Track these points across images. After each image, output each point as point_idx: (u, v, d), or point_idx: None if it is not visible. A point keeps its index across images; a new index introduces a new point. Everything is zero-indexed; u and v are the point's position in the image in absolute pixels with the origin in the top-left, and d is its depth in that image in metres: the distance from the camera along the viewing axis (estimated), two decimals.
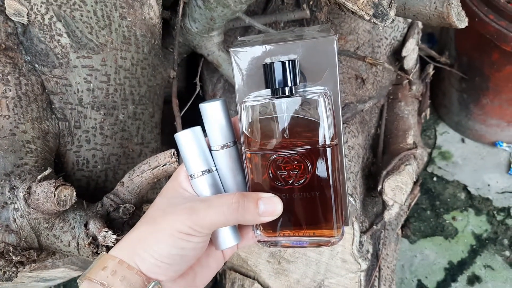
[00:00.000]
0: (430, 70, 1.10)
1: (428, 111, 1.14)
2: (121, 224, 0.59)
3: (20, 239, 0.56)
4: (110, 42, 0.69)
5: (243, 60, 0.46)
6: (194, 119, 0.61)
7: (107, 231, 0.53)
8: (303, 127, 0.44)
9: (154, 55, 0.77)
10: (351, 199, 0.83)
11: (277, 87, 0.43)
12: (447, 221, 1.18)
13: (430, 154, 1.29)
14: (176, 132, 0.48)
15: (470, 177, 1.24)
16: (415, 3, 0.64)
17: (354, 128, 0.91)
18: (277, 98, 0.44)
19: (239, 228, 0.50)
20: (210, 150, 0.48)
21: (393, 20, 0.57)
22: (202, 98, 1.01)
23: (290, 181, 0.45)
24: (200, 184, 0.47)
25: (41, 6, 0.64)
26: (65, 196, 0.54)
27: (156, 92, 0.79)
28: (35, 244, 0.58)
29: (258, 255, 0.83)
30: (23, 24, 0.65)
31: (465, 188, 1.22)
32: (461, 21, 0.65)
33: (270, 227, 0.47)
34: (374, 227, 0.88)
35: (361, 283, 0.84)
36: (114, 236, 0.53)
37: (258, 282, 0.87)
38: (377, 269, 0.89)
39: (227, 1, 0.73)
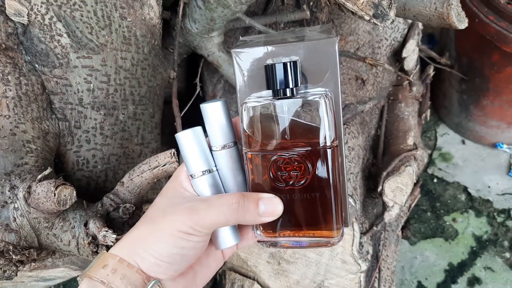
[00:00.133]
0: (431, 71, 1.10)
1: (428, 112, 1.14)
2: (121, 224, 0.59)
3: (20, 238, 0.56)
4: (110, 42, 0.69)
5: (244, 61, 0.46)
6: (194, 119, 0.61)
7: (107, 231, 0.53)
8: (303, 128, 0.44)
9: (154, 56, 0.77)
10: (351, 200, 0.82)
11: (278, 88, 0.44)
12: (447, 223, 1.18)
13: (430, 155, 1.29)
14: (176, 132, 0.48)
15: (470, 179, 1.24)
16: (415, 3, 0.64)
17: (354, 129, 0.91)
18: (278, 99, 0.44)
19: (239, 228, 0.51)
20: (211, 150, 0.48)
21: (393, 21, 0.57)
22: (202, 99, 1.01)
23: (291, 182, 0.45)
24: (200, 184, 0.47)
25: (41, 6, 0.64)
26: (65, 195, 0.54)
27: (156, 93, 0.79)
28: (35, 243, 0.58)
29: (258, 256, 0.83)
30: (23, 24, 0.65)
31: (465, 189, 1.22)
32: (461, 22, 0.65)
33: (270, 227, 0.47)
34: (374, 228, 0.88)
35: (361, 284, 0.84)
36: (114, 236, 0.53)
37: (258, 282, 0.87)
38: (377, 270, 0.89)
39: (227, 2, 0.73)
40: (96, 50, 0.68)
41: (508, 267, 1.10)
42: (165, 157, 0.59)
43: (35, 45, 0.65)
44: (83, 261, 0.81)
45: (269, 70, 0.44)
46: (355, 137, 0.91)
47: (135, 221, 0.51)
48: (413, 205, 1.06)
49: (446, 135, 1.32)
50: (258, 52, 0.46)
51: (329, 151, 0.44)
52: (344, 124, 0.89)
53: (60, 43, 0.66)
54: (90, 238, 0.55)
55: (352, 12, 0.57)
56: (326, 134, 0.43)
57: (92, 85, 0.69)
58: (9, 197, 0.57)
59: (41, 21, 0.65)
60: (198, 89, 0.94)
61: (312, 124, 0.43)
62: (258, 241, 0.48)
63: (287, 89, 0.43)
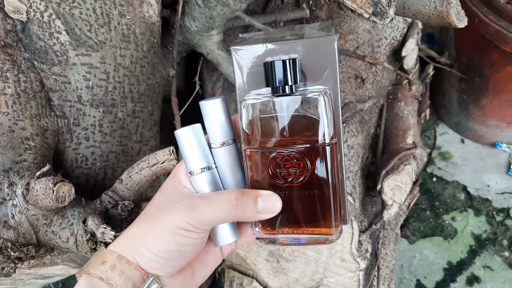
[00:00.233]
0: (430, 71, 1.10)
1: (427, 111, 1.14)
2: (119, 221, 0.59)
3: (19, 235, 0.56)
4: (109, 40, 0.69)
5: (243, 58, 0.46)
6: (193, 117, 0.61)
7: (105, 228, 0.53)
8: (303, 125, 0.44)
9: (154, 53, 0.77)
10: (349, 198, 0.83)
11: (277, 85, 0.44)
12: (446, 222, 1.18)
13: (429, 154, 1.29)
14: (175, 130, 0.48)
15: (469, 178, 1.23)
16: (415, 2, 0.64)
17: (353, 128, 0.91)
18: (277, 96, 0.44)
19: (237, 226, 0.51)
20: (210, 147, 0.48)
21: (392, 19, 0.57)
22: (202, 97, 1.01)
23: (289, 179, 0.45)
24: (199, 181, 0.47)
25: (40, 4, 0.64)
26: (63, 192, 0.54)
27: (155, 90, 0.79)
28: (34, 240, 0.58)
29: (257, 254, 0.83)
30: (22, 21, 0.65)
31: (464, 188, 1.22)
32: (460, 21, 0.65)
33: (269, 224, 0.47)
34: (373, 226, 0.88)
35: (360, 282, 0.84)
36: (113, 233, 0.53)
37: (257, 280, 0.87)
38: (376, 268, 0.89)
39: (227, 0, 0.73)
40: (95, 48, 0.68)
41: (507, 266, 1.10)
42: (164, 155, 0.59)
43: (34, 42, 0.65)
44: (82, 259, 0.81)
45: (268, 67, 0.44)
46: (354, 136, 0.91)
47: (133, 218, 0.51)
48: (412, 203, 1.06)
49: (446, 134, 1.32)
50: (257, 49, 0.46)
51: (328, 148, 0.44)
52: (343, 122, 0.89)
53: (59, 41, 0.66)
54: (89, 235, 0.55)
55: (352, 10, 0.56)
56: (325, 132, 0.44)
57: (91, 82, 0.69)
58: (8, 194, 0.57)
59: (40, 18, 0.65)
60: (197, 87, 0.94)
61: (311, 120, 0.44)
62: (257, 238, 0.48)
63: (286, 87, 0.44)
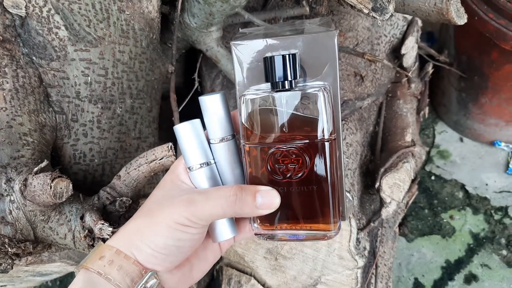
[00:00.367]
0: (429, 69, 1.10)
1: (426, 109, 1.14)
2: (117, 217, 0.59)
3: (16, 231, 0.56)
4: (108, 36, 0.69)
5: (243, 53, 0.46)
6: (192, 114, 0.61)
7: (103, 224, 0.53)
8: (302, 121, 0.44)
9: (153, 50, 0.77)
10: (348, 194, 0.82)
11: (277, 80, 0.43)
12: (444, 220, 1.18)
13: (428, 153, 1.29)
14: (174, 126, 0.48)
15: (468, 176, 1.24)
16: None
17: (352, 125, 0.91)
18: (277, 91, 0.44)
19: (236, 222, 0.50)
20: (209, 143, 0.48)
21: (392, 15, 0.57)
22: (201, 94, 1.00)
23: (288, 175, 0.45)
24: (198, 176, 0.47)
25: None
26: (61, 188, 0.54)
27: (154, 87, 0.79)
28: (31, 236, 0.58)
29: (255, 252, 0.83)
30: (21, 16, 0.64)
31: (463, 187, 1.22)
32: (460, 18, 0.65)
33: (267, 220, 0.47)
34: (372, 224, 0.88)
35: (357, 280, 0.84)
36: (110, 229, 0.53)
37: (255, 278, 0.87)
38: (374, 266, 0.89)
39: None
40: (94, 43, 0.68)
41: (504, 264, 1.10)
42: (162, 151, 0.59)
43: (33, 37, 0.65)
44: (79, 256, 0.81)
45: (268, 62, 0.43)
46: (353, 133, 0.90)
47: (131, 214, 0.51)
48: (410, 202, 1.06)
49: (444, 132, 1.32)
50: (257, 44, 0.46)
51: (327, 144, 0.44)
52: (342, 120, 0.89)
53: (57, 36, 0.66)
54: (86, 231, 0.55)
55: (351, 6, 0.56)
56: (324, 127, 0.43)
57: (89, 78, 0.68)
58: (5, 190, 0.56)
59: (39, 13, 0.64)
60: (196, 84, 0.94)
61: (310, 117, 0.43)
62: (255, 234, 0.48)
63: (286, 82, 0.43)
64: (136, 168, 0.59)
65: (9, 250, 0.54)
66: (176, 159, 0.56)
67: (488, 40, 0.97)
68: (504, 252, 1.12)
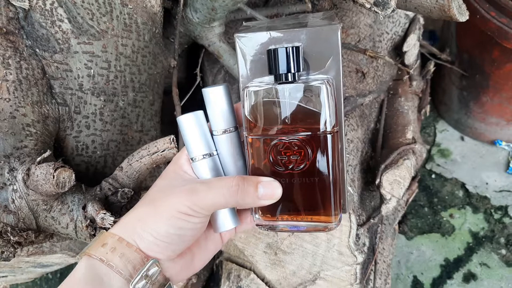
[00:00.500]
0: (431, 67, 1.10)
1: (428, 108, 1.14)
2: (119, 208, 0.59)
3: (19, 220, 0.56)
4: (111, 29, 0.69)
5: (247, 45, 0.47)
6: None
7: (105, 213, 0.53)
8: (304, 113, 0.44)
9: (155, 44, 0.77)
10: (349, 188, 0.83)
11: (280, 72, 0.44)
12: (444, 218, 1.18)
13: (429, 151, 1.29)
14: (177, 117, 0.48)
15: (468, 175, 1.24)
16: None
17: (353, 122, 0.91)
18: (280, 84, 0.44)
19: (238, 213, 0.51)
20: (212, 134, 0.48)
21: (394, 10, 0.57)
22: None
23: (290, 166, 0.45)
24: (201, 167, 0.47)
25: None
26: (64, 178, 0.54)
27: (157, 81, 0.79)
28: (33, 225, 0.58)
29: (255, 246, 0.84)
30: (25, 9, 0.65)
31: (463, 186, 1.23)
32: (462, 15, 0.65)
33: (269, 211, 0.47)
34: (371, 220, 0.88)
35: (356, 276, 0.84)
36: (112, 218, 0.53)
37: (255, 272, 0.87)
38: (373, 262, 0.89)
39: None
40: (97, 36, 0.68)
41: (504, 263, 1.10)
42: (164, 143, 0.59)
43: (36, 30, 0.65)
44: (80, 248, 0.81)
45: (272, 54, 0.44)
46: (354, 130, 0.91)
47: (133, 205, 0.51)
48: (410, 199, 1.06)
49: (445, 131, 1.32)
50: (261, 37, 0.46)
51: (329, 136, 0.44)
52: (344, 115, 0.89)
53: (61, 29, 0.66)
54: (88, 221, 0.56)
55: (353, 1, 0.57)
56: (326, 120, 0.44)
57: (92, 71, 0.69)
58: (8, 179, 0.57)
59: (42, 6, 0.65)
60: (198, 79, 0.94)
61: (313, 109, 0.44)
62: (257, 225, 0.49)
63: (289, 74, 0.44)
64: (138, 159, 0.60)
65: (12, 238, 0.54)
66: (178, 151, 0.56)
67: (490, 38, 0.97)
68: (504, 251, 1.12)
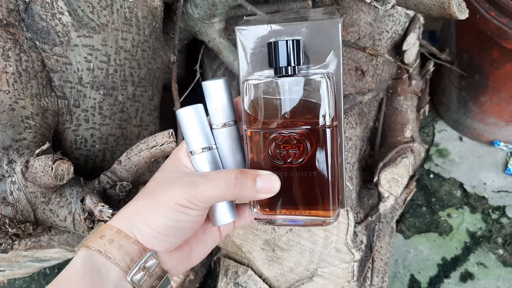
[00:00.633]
0: (430, 67, 1.10)
1: (427, 107, 1.14)
2: (117, 202, 0.59)
3: (17, 212, 0.56)
4: (111, 23, 0.69)
5: (247, 38, 0.47)
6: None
7: (103, 206, 0.53)
8: (304, 107, 0.44)
9: (155, 38, 0.77)
10: (348, 183, 0.83)
11: (280, 66, 0.44)
12: (442, 218, 1.18)
13: (427, 151, 1.29)
14: (177, 111, 0.48)
15: (466, 175, 1.24)
16: None
17: (352, 120, 0.92)
18: (280, 77, 0.44)
19: (236, 207, 0.51)
20: (211, 128, 0.48)
21: (393, 6, 0.57)
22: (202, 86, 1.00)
23: (289, 160, 0.45)
24: (199, 160, 0.47)
25: None
26: (62, 170, 0.54)
27: (156, 76, 0.79)
28: (31, 217, 0.58)
29: (253, 242, 0.84)
30: (25, 1, 0.65)
31: (461, 186, 1.23)
32: (461, 12, 0.65)
33: (267, 205, 0.47)
34: (369, 218, 0.88)
35: (354, 274, 0.84)
36: (110, 211, 0.53)
37: (252, 269, 0.87)
38: (371, 260, 0.89)
39: None
40: (97, 30, 0.68)
41: (501, 263, 1.10)
42: (163, 137, 0.59)
43: (36, 22, 0.65)
44: (78, 242, 0.81)
45: (272, 47, 0.44)
46: (353, 128, 0.91)
47: (131, 199, 0.51)
48: (408, 198, 1.06)
49: (444, 131, 1.33)
50: (262, 30, 0.46)
51: (328, 130, 0.44)
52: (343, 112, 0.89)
53: (61, 21, 0.66)
54: (86, 214, 0.55)
55: None
56: (326, 114, 0.44)
57: (92, 64, 0.69)
58: (7, 171, 0.57)
59: None
60: (198, 75, 0.94)
61: (313, 102, 0.44)
62: (255, 219, 0.49)
63: (289, 67, 0.44)
64: (137, 153, 0.60)
65: (10, 230, 0.54)
66: (176, 145, 0.56)
67: (489, 38, 0.98)
68: (501, 251, 1.12)
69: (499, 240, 1.14)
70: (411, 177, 1.05)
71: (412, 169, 0.93)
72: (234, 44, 0.86)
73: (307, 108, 0.44)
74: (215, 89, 0.47)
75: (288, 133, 0.45)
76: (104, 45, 0.69)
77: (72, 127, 0.69)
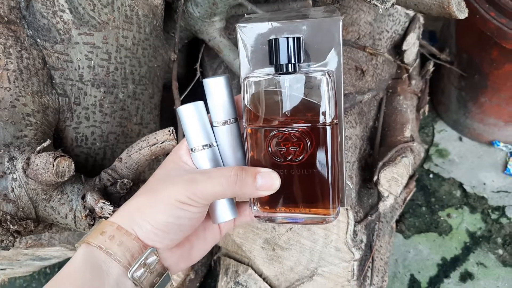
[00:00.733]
0: (430, 67, 1.10)
1: (426, 107, 1.14)
2: (118, 199, 0.59)
3: (18, 209, 0.56)
4: (112, 21, 0.69)
5: (248, 36, 0.47)
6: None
7: (104, 203, 0.53)
8: (304, 105, 0.44)
9: (156, 37, 0.77)
10: (348, 182, 0.83)
11: (281, 63, 0.44)
12: (441, 218, 1.18)
13: (427, 151, 1.29)
14: (177, 108, 0.48)
15: (466, 175, 1.24)
16: None
17: (352, 119, 0.92)
18: (280, 74, 0.44)
19: (236, 206, 0.51)
20: (212, 125, 0.48)
21: (393, 4, 0.57)
22: (202, 85, 1.01)
23: (289, 158, 0.45)
24: (200, 158, 0.47)
25: None
26: (63, 167, 0.54)
27: (156, 74, 0.79)
28: (33, 214, 0.58)
29: (253, 241, 0.84)
30: None
31: (461, 186, 1.23)
32: (461, 12, 0.65)
33: (267, 202, 0.48)
34: (369, 217, 0.88)
35: (354, 273, 0.84)
36: (111, 208, 0.53)
37: (252, 268, 0.87)
38: (370, 260, 0.89)
39: None
40: (98, 28, 0.68)
41: (500, 263, 1.10)
42: (163, 135, 0.59)
43: (38, 20, 0.66)
44: (79, 240, 0.81)
45: (272, 45, 0.44)
46: (352, 127, 0.91)
47: (131, 196, 0.51)
48: (408, 198, 1.07)
49: (444, 131, 1.33)
50: (262, 27, 0.46)
51: (328, 128, 0.44)
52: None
53: (62, 19, 0.66)
54: (87, 211, 0.56)
55: None
56: (326, 112, 0.44)
57: (92, 62, 0.69)
58: (8, 168, 0.57)
59: None
60: (198, 74, 0.94)
61: (313, 101, 0.44)
62: (255, 216, 0.49)
63: (290, 65, 0.44)
64: (137, 151, 0.60)
65: (11, 227, 0.54)
66: (177, 143, 0.56)
67: (489, 38, 0.98)
68: (500, 251, 1.12)
69: (499, 240, 1.14)
70: (411, 177, 1.05)
71: (411, 168, 0.93)
72: (234, 43, 0.86)
73: (307, 106, 0.44)
74: (215, 87, 0.47)
75: (289, 130, 0.45)
76: (105, 43, 0.69)
77: (73, 124, 0.69)
